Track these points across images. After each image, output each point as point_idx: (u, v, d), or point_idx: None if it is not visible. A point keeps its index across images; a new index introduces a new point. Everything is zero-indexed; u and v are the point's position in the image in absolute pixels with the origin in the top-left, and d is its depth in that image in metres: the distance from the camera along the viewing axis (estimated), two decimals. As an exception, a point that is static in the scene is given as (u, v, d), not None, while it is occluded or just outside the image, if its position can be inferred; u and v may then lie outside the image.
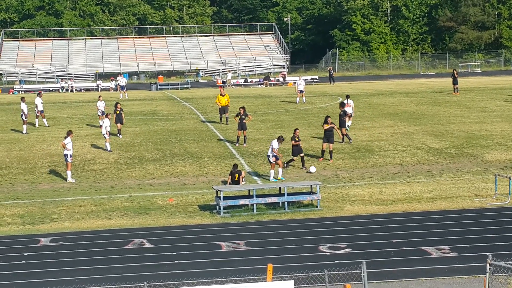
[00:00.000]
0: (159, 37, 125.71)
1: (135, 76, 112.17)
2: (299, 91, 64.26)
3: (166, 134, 46.24)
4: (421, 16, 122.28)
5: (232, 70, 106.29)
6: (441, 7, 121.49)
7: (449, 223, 25.72)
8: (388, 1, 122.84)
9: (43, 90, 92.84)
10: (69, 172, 34.78)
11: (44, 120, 51.76)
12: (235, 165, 32.57)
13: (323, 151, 37.86)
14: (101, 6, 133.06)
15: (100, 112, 50.88)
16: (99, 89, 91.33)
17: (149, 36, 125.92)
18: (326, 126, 37.31)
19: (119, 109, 46.36)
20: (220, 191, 28.25)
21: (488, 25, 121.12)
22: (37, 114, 51.88)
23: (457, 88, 67.40)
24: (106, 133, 41.45)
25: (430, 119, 51.07)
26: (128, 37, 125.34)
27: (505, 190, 29.36)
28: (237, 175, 31.84)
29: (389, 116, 53.37)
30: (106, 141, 41.78)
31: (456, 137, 43.35)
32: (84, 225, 26.85)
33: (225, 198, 28.27)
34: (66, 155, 34.71)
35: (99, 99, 52.10)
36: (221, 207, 27.90)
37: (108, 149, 41.58)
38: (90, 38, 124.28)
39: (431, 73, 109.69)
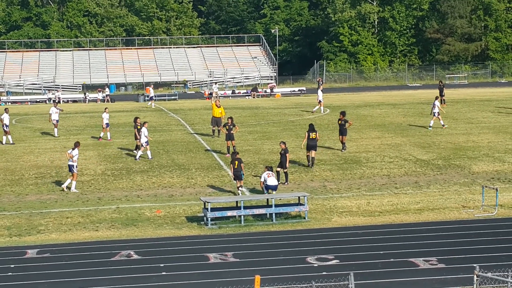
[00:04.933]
0: (146, 48, 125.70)
1: (123, 87, 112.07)
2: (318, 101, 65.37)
3: (153, 146, 46.13)
4: (408, 28, 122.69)
5: (218, 82, 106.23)
6: (428, 19, 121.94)
7: (436, 235, 25.74)
8: (375, 13, 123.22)
9: (30, 101, 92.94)
10: (74, 183, 34.67)
11: (9, 136, 49.97)
12: (234, 152, 33.38)
13: (308, 157, 38.77)
14: (89, 18, 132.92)
15: (105, 124, 50.42)
16: (87, 100, 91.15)
17: (136, 47, 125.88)
18: (314, 136, 38.06)
19: (139, 124, 43.82)
20: (208, 202, 28.20)
21: (474, 37, 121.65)
22: (5, 130, 49.75)
23: (443, 99, 67.58)
24: (145, 142, 41.67)
25: (417, 130, 51.20)
26: (116, 49, 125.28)
27: (492, 201, 29.42)
28: (236, 162, 32.23)
29: (377, 127, 53.47)
30: (146, 150, 41.88)
31: (443, 148, 43.46)
32: (71, 237, 26.74)
33: (212, 209, 28.22)
34: (71, 166, 34.57)
35: (105, 111, 51.28)
36: (209, 219, 27.85)
37: (150, 157, 41.76)
38: (78, 50, 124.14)
39: (418, 84, 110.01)
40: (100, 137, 50.35)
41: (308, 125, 39.57)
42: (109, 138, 50.03)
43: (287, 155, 34.57)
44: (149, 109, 73.69)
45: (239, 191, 32.87)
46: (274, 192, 31.20)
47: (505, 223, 27.16)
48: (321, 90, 67.55)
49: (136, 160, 41.63)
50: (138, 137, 43.78)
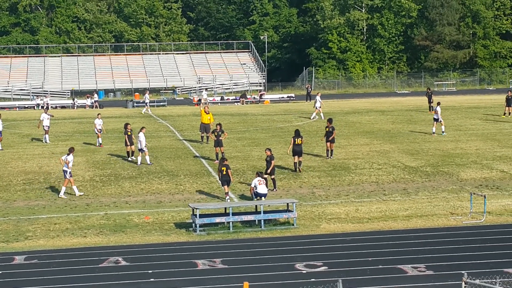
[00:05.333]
0: (135, 54, 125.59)
1: (111, 93, 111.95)
2: (316, 108, 65.60)
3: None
4: (396, 35, 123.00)
5: (207, 88, 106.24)
6: (416, 26, 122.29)
7: (424, 241, 25.77)
8: (364, 20, 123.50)
9: (18, 107, 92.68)
10: (64, 188, 34.65)
11: None
12: (223, 159, 33.43)
13: (295, 163, 39.29)
14: (77, 23, 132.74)
15: (98, 130, 50.31)
16: (75, 106, 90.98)
17: (125, 53, 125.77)
18: (299, 141, 38.70)
19: (129, 130, 44.04)
20: (196, 209, 28.16)
21: (463, 44, 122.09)
22: None
23: (432, 106, 67.80)
24: (144, 147, 41.77)
25: (406, 137, 51.30)
26: (104, 54, 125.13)
27: (480, 208, 29.47)
28: (224, 168, 32.30)
29: (365, 134, 53.55)
30: (146, 155, 41.96)
31: (432, 155, 43.55)
32: (59, 243, 26.66)
33: (201, 216, 28.19)
34: (65, 171, 34.52)
35: (97, 117, 51.25)
36: (197, 225, 27.81)
37: (148, 162, 41.91)
38: (66, 55, 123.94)
39: (406, 91, 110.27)
40: (100, 143, 50.04)
41: (294, 131, 40.00)
42: (99, 144, 49.88)
43: (272, 161, 34.58)
44: (140, 115, 73.59)
45: (227, 197, 32.85)
46: (263, 199, 31.20)
47: (493, 230, 27.21)
48: (319, 97, 67.41)
49: (138, 165, 41.72)
50: (128, 143, 43.80)
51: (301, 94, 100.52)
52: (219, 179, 33.19)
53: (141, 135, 41.86)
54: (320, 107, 65.79)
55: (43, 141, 52.53)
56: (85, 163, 42.98)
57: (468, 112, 68.14)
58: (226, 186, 32.82)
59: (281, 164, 41.28)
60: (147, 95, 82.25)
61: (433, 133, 51.94)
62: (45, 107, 65.46)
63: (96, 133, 50.55)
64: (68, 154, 34.95)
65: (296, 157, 39.16)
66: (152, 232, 27.93)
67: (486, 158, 42.32)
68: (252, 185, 31.81)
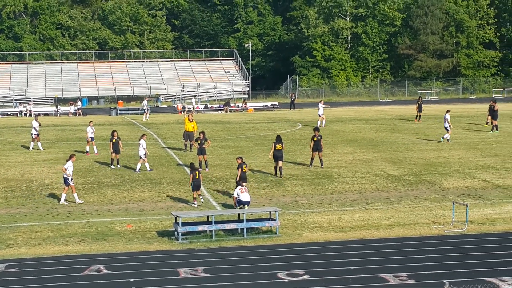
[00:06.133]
0: (119, 61, 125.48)
1: (95, 101, 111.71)
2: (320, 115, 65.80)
3: (125, 160, 45.98)
4: (380, 43, 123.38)
5: (196, 96, 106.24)
6: (400, 35, 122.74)
7: (407, 250, 25.80)
8: (348, 29, 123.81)
9: (0, 114, 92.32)
10: (64, 195, 34.62)
11: None
12: (192, 164, 34.09)
13: (275, 168, 40.27)
14: (61, 30, 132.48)
15: (90, 138, 50.12)
16: (58, 113, 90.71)
17: (109, 60, 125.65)
18: (280, 147, 39.62)
19: (116, 138, 43.96)
20: (179, 217, 28.10)
21: (446, 54, 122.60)
22: None
23: (420, 115, 67.99)
24: (144, 154, 41.92)
25: (389, 146, 51.41)
26: (88, 62, 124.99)
27: (462, 217, 29.54)
28: (197, 172, 32.96)
29: (349, 142, 53.63)
30: (145, 162, 42.06)
31: (415, 164, 43.65)
32: (41, 251, 26.52)
33: (183, 224, 28.13)
34: (66, 178, 34.48)
35: (89, 124, 51.10)
36: (180, 233, 27.75)
37: (148, 169, 42.07)
38: (50, 62, 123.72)
39: (390, 100, 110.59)
40: (87, 151, 49.86)
41: (275, 136, 40.81)
42: (95, 152, 49.60)
43: (239, 169, 34.54)
44: (122, 123, 73.42)
45: (195, 202, 33.38)
46: (246, 207, 31.22)
47: (475, 239, 27.28)
48: (323, 105, 67.33)
49: (136, 172, 41.89)
50: (113, 151, 43.75)
51: (285, 102, 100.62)
52: (191, 183, 33.49)
53: (142, 142, 42.16)
54: (323, 114, 65.77)
55: (30, 148, 52.30)
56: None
57: (451, 121, 68.19)
58: (196, 192, 33.18)
59: (264, 171, 41.33)
60: (145, 102, 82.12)
61: (447, 140, 52.28)
62: (36, 114, 65.06)
63: (87, 141, 50.35)
64: (67, 161, 34.99)
65: (279, 162, 39.92)
66: (134, 240, 27.84)
67: (468, 167, 42.45)
68: (235, 195, 31.93)
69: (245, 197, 31.51)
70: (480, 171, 41.18)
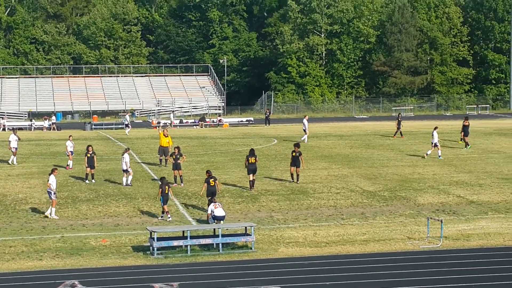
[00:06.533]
0: (94, 76, 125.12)
1: (69, 116, 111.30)
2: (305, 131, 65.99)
3: (100, 174, 45.78)
4: (355, 60, 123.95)
5: (174, 111, 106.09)
6: (375, 52, 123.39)
7: (382, 266, 25.85)
8: (323, 45, 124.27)
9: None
10: (53, 209, 34.45)
11: None
12: (162, 178, 34.18)
13: (250, 181, 40.65)
14: (36, 45, 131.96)
15: (70, 152, 49.80)
16: (32, 128, 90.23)
17: (84, 75, 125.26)
18: (253, 160, 40.20)
19: (90, 152, 43.81)
20: (154, 232, 28.01)
21: (420, 70, 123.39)
22: None
23: (400, 132, 68.17)
24: (128, 168, 41.99)
25: (364, 162, 51.56)
26: (63, 76, 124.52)
27: (437, 233, 29.66)
28: (167, 187, 33.17)
29: (324, 158, 53.75)
30: (129, 175, 42.08)
31: (389, 180, 43.80)
32: (14, 266, 26.31)
33: (159, 239, 28.04)
34: (49, 192, 34.43)
35: (69, 139, 50.79)
36: (155, 248, 27.65)
37: (129, 183, 42.15)
38: (24, 77, 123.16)
39: (365, 116, 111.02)
40: (68, 165, 49.50)
41: (249, 150, 41.37)
42: (71, 167, 49.24)
43: (205, 184, 34.99)
44: (96, 137, 73.16)
45: (163, 216, 33.60)
46: (222, 222, 31.21)
47: (450, 255, 27.38)
48: (307, 120, 67.56)
49: (125, 185, 42.01)
50: (87, 165, 43.57)
51: (260, 118, 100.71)
52: (160, 198, 33.64)
53: (126, 156, 42.21)
54: (307, 129, 65.92)
55: (10, 162, 51.97)
56: (42, 186, 42.53)
57: (425, 137, 68.61)
58: (165, 205, 33.51)
59: (240, 186, 41.33)
60: (127, 116, 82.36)
61: (426, 154, 52.95)
62: (15, 128, 64.59)
63: (67, 155, 50.03)
64: (50, 174, 34.85)
65: (251, 175, 40.39)
66: (109, 255, 27.70)
67: (443, 183, 42.66)
68: (209, 212, 31.92)
69: (219, 212, 31.48)
70: (454, 187, 41.39)
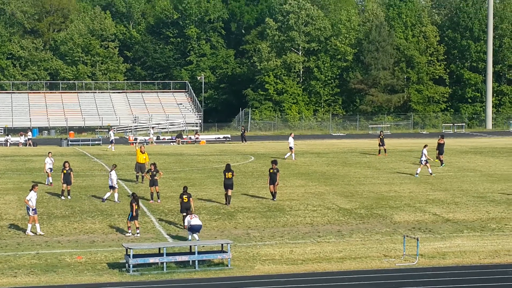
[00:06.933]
0: (71, 92, 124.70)
1: (46, 131, 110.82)
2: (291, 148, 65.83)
3: (76, 191, 45.58)
4: (332, 78, 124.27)
5: (154, 127, 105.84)
6: (352, 69, 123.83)
7: (358, 284, 25.88)
8: (301, 63, 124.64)
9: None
10: (37, 225, 34.34)
11: None
12: (133, 194, 34.37)
13: (226, 196, 41.39)
14: (12, 60, 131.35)
15: (48, 169, 49.35)
16: (8, 144, 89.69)
17: (60, 91, 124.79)
18: (229, 175, 40.92)
19: (67, 169, 43.67)
20: (130, 249, 27.90)
21: (397, 89, 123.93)
22: None
23: (385, 149, 68.42)
24: (114, 185, 42.01)
25: (341, 179, 51.68)
26: (39, 92, 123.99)
27: (413, 251, 29.75)
28: (134, 204, 33.28)
29: (301, 176, 53.80)
30: (114, 192, 42.04)
31: (366, 197, 43.90)
32: (-12, 283, 26.14)
33: (135, 256, 27.92)
34: (28, 208, 34.44)
35: (48, 155, 50.41)
36: (131, 265, 27.54)
37: (116, 200, 42.15)
38: (0, 92, 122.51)
39: (342, 134, 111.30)
40: (51, 182, 48.98)
41: (225, 165, 42.08)
42: (51, 183, 48.80)
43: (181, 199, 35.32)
44: (73, 153, 72.86)
45: (132, 233, 33.75)
46: (198, 233, 31.36)
47: (426, 273, 27.45)
48: (293, 137, 67.64)
49: (109, 201, 42.19)
50: (64, 182, 43.37)
51: (237, 135, 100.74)
52: (133, 214, 33.63)
53: (113, 173, 42.34)
54: (293, 147, 66.00)
55: None
56: (17, 201, 42.31)
57: (402, 155, 68.97)
58: (136, 221, 33.71)
59: (216, 203, 41.30)
60: (111, 133, 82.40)
61: (430, 173, 53.24)
62: None
63: (46, 172, 49.60)
64: (30, 191, 34.69)
65: (228, 190, 41.09)
66: (84, 272, 27.55)
67: (419, 201, 42.81)
68: (186, 224, 32.04)
69: (195, 221, 31.66)
70: (430, 205, 41.55)
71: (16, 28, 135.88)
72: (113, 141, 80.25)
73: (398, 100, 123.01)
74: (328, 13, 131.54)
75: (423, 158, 53.47)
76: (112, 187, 42.26)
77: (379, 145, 69.13)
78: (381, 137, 69.90)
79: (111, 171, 42.66)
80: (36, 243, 32.56)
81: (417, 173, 52.99)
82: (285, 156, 65.53)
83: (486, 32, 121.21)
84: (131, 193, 36.76)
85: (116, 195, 42.38)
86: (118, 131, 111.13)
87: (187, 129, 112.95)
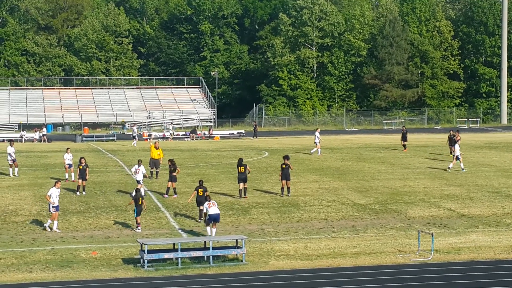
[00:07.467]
0: (85, 88, 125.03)
1: (60, 127, 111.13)
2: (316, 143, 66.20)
3: (90, 187, 45.68)
4: (346, 73, 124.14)
5: (172, 122, 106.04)
6: (366, 65, 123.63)
7: (372, 279, 25.83)
8: (314, 58, 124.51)
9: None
10: (55, 222, 34.34)
11: None
12: (137, 189, 35.12)
13: (240, 190, 41.84)
14: (27, 57, 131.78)
15: (67, 165, 49.46)
16: (23, 140, 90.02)
17: (75, 87, 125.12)
18: (242, 169, 41.45)
19: (83, 164, 43.82)
20: (145, 244, 27.94)
21: (411, 84, 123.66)
22: None
23: (405, 145, 68.13)
24: (142, 179, 42.66)
25: (355, 175, 51.59)
26: (54, 88, 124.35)
27: (427, 246, 29.67)
28: (140, 198, 33.57)
29: (315, 171, 53.76)
30: (141, 187, 41.45)
31: (380, 193, 43.82)
32: (4, 279, 26.20)
33: (149, 251, 27.96)
34: (49, 205, 34.53)
35: (66, 151, 50.33)
36: (146, 261, 27.58)
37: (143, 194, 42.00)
38: (15, 88, 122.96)
39: (356, 129, 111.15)
40: (66, 178, 49.04)
41: (238, 159, 42.89)
42: (73, 179, 48.72)
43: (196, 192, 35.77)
44: (87, 149, 73.04)
45: (139, 227, 33.90)
46: (217, 222, 31.81)
47: (440, 268, 27.39)
48: (319, 132, 67.73)
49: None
50: (80, 177, 43.48)
51: (251, 130, 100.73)
52: (136, 210, 33.84)
53: (142, 167, 42.92)
54: (319, 142, 66.09)
55: (10, 174, 51.77)
56: (32, 197, 42.47)
57: (416, 150, 68.78)
58: (139, 217, 33.87)
59: (230, 198, 41.31)
60: (134, 129, 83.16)
61: (449, 168, 53.30)
62: (10, 140, 64.34)
63: (65, 168, 49.62)
64: (51, 188, 34.81)
65: (241, 184, 41.67)
66: (99, 268, 27.61)
67: (433, 196, 42.70)
68: (204, 210, 32.61)
69: (213, 210, 31.70)
70: (445, 200, 41.44)
71: (30, 24, 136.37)
72: (136, 137, 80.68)
73: (412, 95, 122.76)
74: (342, 8, 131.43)
75: (457, 153, 53.33)
76: (139, 182, 42.40)
77: (402, 139, 68.76)
78: (403, 132, 69.65)
79: (139, 166, 42.82)
80: (51, 238, 32.67)
81: (449, 168, 53.03)
82: (311, 151, 65.68)
83: (500, 27, 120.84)
84: (135, 189, 36.92)
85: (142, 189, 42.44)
86: (132, 127, 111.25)
87: (201, 124, 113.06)
